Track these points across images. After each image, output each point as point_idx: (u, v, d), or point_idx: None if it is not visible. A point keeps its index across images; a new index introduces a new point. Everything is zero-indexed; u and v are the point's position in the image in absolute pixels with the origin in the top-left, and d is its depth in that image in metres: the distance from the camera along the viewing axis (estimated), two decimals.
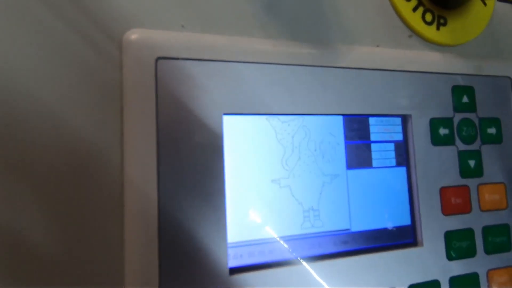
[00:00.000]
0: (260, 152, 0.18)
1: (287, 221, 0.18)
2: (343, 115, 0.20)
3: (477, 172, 0.22)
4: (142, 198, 0.16)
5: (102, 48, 0.16)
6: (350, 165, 0.20)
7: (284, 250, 0.18)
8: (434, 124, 0.21)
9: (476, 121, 0.23)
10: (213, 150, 0.17)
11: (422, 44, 0.22)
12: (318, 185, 0.19)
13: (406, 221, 0.21)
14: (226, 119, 0.18)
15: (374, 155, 0.21)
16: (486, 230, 0.22)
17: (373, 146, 0.21)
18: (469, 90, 0.23)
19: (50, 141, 0.15)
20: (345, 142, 0.20)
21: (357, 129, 0.20)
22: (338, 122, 0.20)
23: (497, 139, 0.23)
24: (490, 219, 0.22)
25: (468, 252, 0.21)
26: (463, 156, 0.22)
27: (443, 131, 0.22)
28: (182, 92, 0.17)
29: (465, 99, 0.22)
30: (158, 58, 0.17)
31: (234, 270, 0.17)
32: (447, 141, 0.22)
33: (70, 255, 0.15)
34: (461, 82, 0.22)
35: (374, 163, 0.21)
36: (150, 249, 0.16)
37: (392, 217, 0.21)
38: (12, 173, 0.15)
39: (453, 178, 0.22)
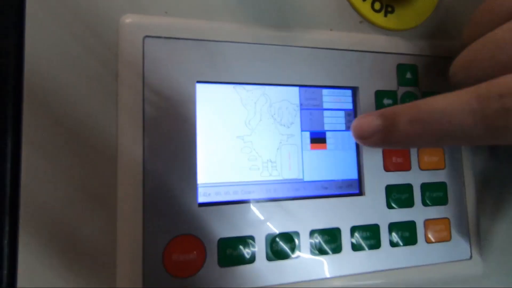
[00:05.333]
0: (227, 114, 0.23)
1: (249, 169, 0.23)
2: (299, 86, 0.24)
3: None
4: (130, 153, 0.21)
5: (102, 30, 0.21)
6: (304, 128, 0.24)
7: (245, 192, 0.23)
8: (379, 95, 0.25)
9: (419, 94, 0.26)
10: (187, 112, 0.22)
11: (372, 29, 0.26)
12: (276, 142, 0.24)
13: (353, 175, 0.25)
14: (199, 87, 0.22)
15: (326, 120, 0.25)
16: (424, 186, 0.26)
17: (325, 112, 0.25)
18: (412, 68, 0.26)
19: (58, 109, 0.20)
20: (301, 109, 0.24)
21: (311, 98, 0.25)
22: (294, 92, 0.24)
23: None
24: (428, 177, 0.26)
25: (406, 203, 0.25)
26: None
27: (386, 101, 0.26)
28: (164, 64, 0.22)
29: (408, 75, 0.26)
30: (145, 37, 0.21)
31: (203, 204, 0.22)
32: None
33: (72, 208, 0.20)
34: (405, 60, 0.26)
35: (326, 127, 0.25)
36: (137, 192, 0.20)
37: (341, 171, 0.25)
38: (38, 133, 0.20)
39: None
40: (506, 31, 0.18)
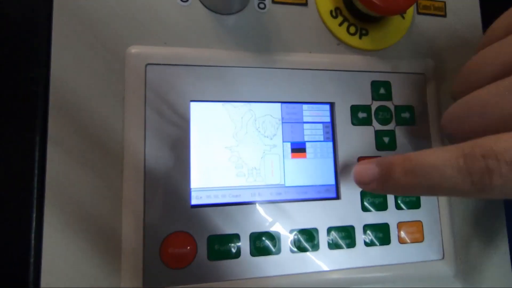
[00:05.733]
0: (217, 128, 0.26)
1: (236, 175, 0.26)
2: (281, 102, 0.28)
3: (391, 146, 0.29)
4: (134, 162, 0.25)
5: (111, 58, 0.25)
6: (285, 139, 0.28)
7: (232, 195, 0.26)
8: (354, 109, 0.28)
9: (392, 108, 0.29)
10: (183, 127, 0.26)
11: (348, 50, 0.29)
12: (260, 152, 0.27)
13: (331, 181, 0.28)
14: (193, 105, 0.26)
15: (306, 132, 0.28)
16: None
17: (305, 125, 0.28)
18: (386, 84, 0.29)
19: (79, 122, 0.25)
20: (282, 122, 0.28)
21: (292, 113, 0.28)
22: (277, 108, 0.28)
23: (410, 122, 0.29)
24: None
25: (380, 207, 0.28)
26: (379, 134, 0.28)
27: (361, 114, 0.28)
28: (163, 86, 0.26)
29: (382, 90, 0.29)
30: (147, 64, 0.25)
31: (195, 206, 0.25)
32: (365, 122, 0.28)
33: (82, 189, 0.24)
34: (378, 77, 0.29)
35: (306, 138, 0.28)
36: (139, 194, 0.24)
37: (319, 178, 0.28)
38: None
39: (370, 150, 0.28)
40: (490, 94, 0.19)
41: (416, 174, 0.18)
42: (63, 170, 0.24)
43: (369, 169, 0.21)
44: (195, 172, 0.26)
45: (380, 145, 0.28)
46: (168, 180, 0.25)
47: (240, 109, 0.27)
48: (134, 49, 0.26)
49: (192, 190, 0.25)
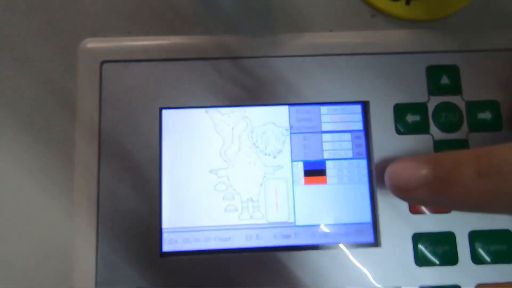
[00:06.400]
0: (198, 144, 0.19)
1: (224, 210, 0.19)
2: (288, 104, 0.19)
3: None
4: (85, 190, 0.18)
5: (61, 55, 0.19)
6: (295, 157, 0.19)
7: (220, 239, 0.19)
8: (400, 110, 0.19)
9: (462, 105, 0.19)
10: (150, 143, 0.19)
11: (389, 23, 0.20)
12: (258, 176, 0.19)
13: (365, 218, 0.19)
14: (165, 113, 0.19)
15: (325, 146, 0.19)
16: (475, 235, 0.18)
17: (325, 136, 0.19)
18: (450, 70, 0.19)
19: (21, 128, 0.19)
20: (291, 133, 0.19)
21: (305, 119, 0.19)
22: (283, 112, 0.20)
23: (493, 126, 0.19)
24: (482, 223, 0.18)
25: (447, 260, 0.18)
26: (441, 146, 0.19)
27: (412, 117, 0.19)
28: (123, 90, 0.19)
29: (445, 80, 0.19)
30: (103, 62, 0.19)
31: (167, 254, 0.18)
32: (418, 129, 0.19)
33: None
34: (438, 60, 0.19)
35: (326, 155, 0.19)
36: (90, 235, 0.18)
37: (347, 213, 0.19)
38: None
39: None
40: None
41: (497, 178, 0.13)
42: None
43: (415, 168, 0.15)
44: (168, 206, 0.19)
45: None
46: (128, 217, 0.18)
47: (230, 117, 0.19)
48: (87, 43, 0.19)
49: (163, 231, 0.18)
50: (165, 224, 0.18)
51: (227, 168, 0.19)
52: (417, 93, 0.19)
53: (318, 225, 0.19)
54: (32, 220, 0.18)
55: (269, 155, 0.19)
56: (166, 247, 0.18)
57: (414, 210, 0.18)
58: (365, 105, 0.19)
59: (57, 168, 0.19)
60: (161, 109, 0.19)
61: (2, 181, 0.18)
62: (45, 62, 0.19)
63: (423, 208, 0.18)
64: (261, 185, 0.19)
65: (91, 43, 0.19)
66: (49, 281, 0.18)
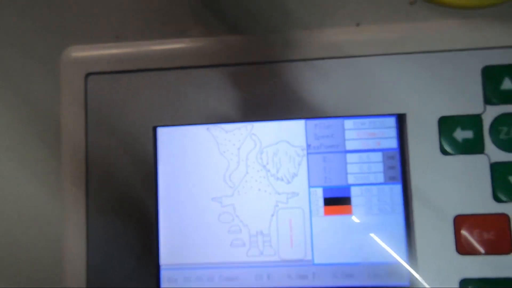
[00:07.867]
0: (199, 167, 0.16)
1: (230, 245, 0.16)
2: (305, 118, 0.16)
3: None
4: (72, 225, 0.16)
5: (43, 65, 0.17)
6: (313, 182, 0.16)
7: (224, 278, 0.16)
8: (447, 123, 0.15)
9: None
10: (144, 167, 0.16)
11: (433, 12, 0.16)
12: (269, 206, 0.16)
13: (399, 257, 0.15)
14: (160, 132, 0.17)
15: (350, 168, 0.16)
16: None
17: (349, 157, 0.16)
18: None
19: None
20: (308, 153, 0.16)
21: (325, 136, 0.16)
22: (298, 128, 0.16)
23: None
24: None
25: None
26: (499, 170, 0.15)
27: (462, 133, 0.15)
28: (112, 106, 0.16)
29: (506, 84, 0.15)
30: (88, 74, 0.17)
31: None
32: (470, 148, 0.15)
33: None
34: (498, 59, 0.15)
35: (351, 179, 0.16)
36: (79, 278, 0.16)
37: (377, 250, 0.16)
38: None
39: (480, 203, 0.15)
40: None
41: None
42: None
43: None
44: (165, 239, 0.16)
45: (502, 192, 0.15)
46: (121, 254, 0.16)
47: (236, 134, 0.16)
48: (70, 52, 0.17)
49: (161, 268, 0.16)
50: (163, 260, 0.16)
51: (233, 196, 0.16)
52: (469, 102, 0.15)
53: (341, 264, 0.16)
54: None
55: (282, 179, 0.16)
56: (164, 285, 0.16)
57: (462, 249, 0.15)
58: (400, 118, 0.16)
59: (43, 205, 0.17)
60: (155, 127, 0.16)
61: None
62: (25, 75, 0.17)
63: (476, 246, 0.15)
64: (272, 215, 0.16)
65: (75, 52, 0.17)
66: None
